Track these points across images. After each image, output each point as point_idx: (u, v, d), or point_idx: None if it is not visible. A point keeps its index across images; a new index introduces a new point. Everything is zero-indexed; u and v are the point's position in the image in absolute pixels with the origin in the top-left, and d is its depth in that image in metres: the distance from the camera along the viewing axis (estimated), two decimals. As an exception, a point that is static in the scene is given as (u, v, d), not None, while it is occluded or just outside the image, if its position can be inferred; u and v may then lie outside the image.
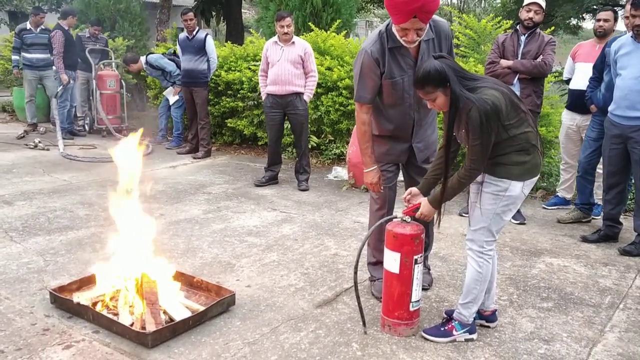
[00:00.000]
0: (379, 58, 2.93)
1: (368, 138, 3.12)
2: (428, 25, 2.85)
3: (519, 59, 4.64)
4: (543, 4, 4.67)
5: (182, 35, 7.26)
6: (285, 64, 5.56)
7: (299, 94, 5.64)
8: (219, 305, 2.99)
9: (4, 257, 3.72)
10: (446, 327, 2.83)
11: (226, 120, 7.73)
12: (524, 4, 4.73)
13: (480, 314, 2.95)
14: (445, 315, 2.94)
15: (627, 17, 4.36)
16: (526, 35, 4.68)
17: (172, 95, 7.75)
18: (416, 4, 2.61)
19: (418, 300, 2.85)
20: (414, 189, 2.89)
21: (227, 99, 7.57)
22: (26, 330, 2.79)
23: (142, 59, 7.91)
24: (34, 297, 3.15)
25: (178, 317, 2.85)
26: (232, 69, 7.60)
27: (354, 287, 2.88)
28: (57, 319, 2.92)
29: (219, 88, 7.61)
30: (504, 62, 4.63)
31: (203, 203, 5.21)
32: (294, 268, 3.71)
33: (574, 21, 18.21)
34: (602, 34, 4.86)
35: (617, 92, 4.10)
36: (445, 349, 2.75)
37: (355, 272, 2.85)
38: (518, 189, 2.66)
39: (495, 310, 3.00)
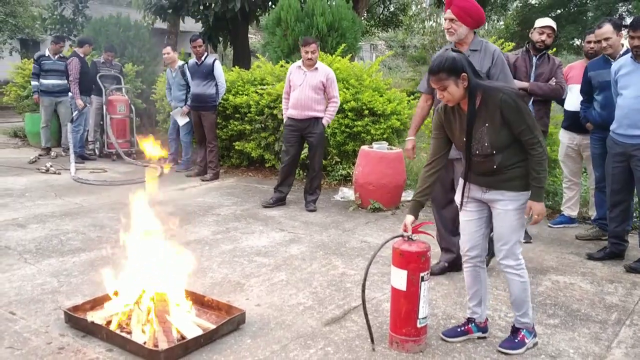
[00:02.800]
0: None
1: (416, 118, 4.22)
2: (481, 42, 3.72)
3: (532, 80, 4.71)
4: (555, 28, 4.80)
5: (192, 60, 7.43)
6: (307, 89, 5.64)
7: (317, 119, 5.73)
8: (230, 323, 3.05)
9: (19, 279, 3.80)
10: (518, 338, 2.92)
11: (234, 143, 7.84)
12: (537, 26, 4.78)
13: (477, 327, 3.05)
14: (513, 327, 2.99)
15: (599, 41, 4.63)
16: (537, 57, 4.76)
17: (179, 116, 7.78)
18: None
19: (425, 317, 2.90)
20: (408, 218, 2.88)
21: (234, 122, 7.69)
22: (42, 349, 2.86)
23: (180, 62, 7.94)
24: (48, 317, 3.22)
25: (190, 335, 2.90)
26: (240, 92, 7.73)
27: (362, 305, 2.93)
28: (72, 337, 2.98)
29: (227, 111, 7.74)
30: (519, 84, 4.47)
31: (212, 224, 5.28)
32: (303, 287, 3.77)
33: (577, 42, 18.39)
34: (593, 55, 4.98)
35: (619, 111, 4.18)
36: (452, 365, 2.79)
37: (363, 290, 2.90)
38: None
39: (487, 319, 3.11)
